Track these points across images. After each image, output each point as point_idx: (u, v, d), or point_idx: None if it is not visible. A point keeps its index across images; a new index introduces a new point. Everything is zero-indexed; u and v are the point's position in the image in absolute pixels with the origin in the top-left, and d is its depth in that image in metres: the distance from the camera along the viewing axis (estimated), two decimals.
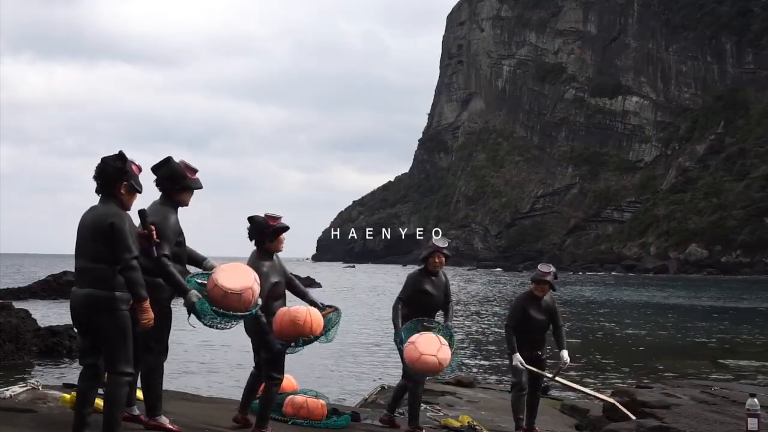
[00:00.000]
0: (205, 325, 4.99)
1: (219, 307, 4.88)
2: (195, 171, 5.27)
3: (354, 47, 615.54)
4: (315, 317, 5.46)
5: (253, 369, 5.89)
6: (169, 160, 5.17)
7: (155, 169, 5.12)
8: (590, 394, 8.46)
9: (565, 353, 7.15)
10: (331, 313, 5.79)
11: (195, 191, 5.28)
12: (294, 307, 5.52)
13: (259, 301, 5.13)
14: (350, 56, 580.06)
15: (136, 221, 4.80)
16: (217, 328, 5.02)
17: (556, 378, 7.47)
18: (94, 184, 4.55)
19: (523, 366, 7.02)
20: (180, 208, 5.24)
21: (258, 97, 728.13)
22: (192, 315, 4.90)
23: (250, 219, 5.71)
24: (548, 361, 7.44)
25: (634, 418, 7.84)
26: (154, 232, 4.84)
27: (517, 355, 7.01)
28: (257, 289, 5.05)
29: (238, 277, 4.99)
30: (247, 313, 5.00)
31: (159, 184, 5.15)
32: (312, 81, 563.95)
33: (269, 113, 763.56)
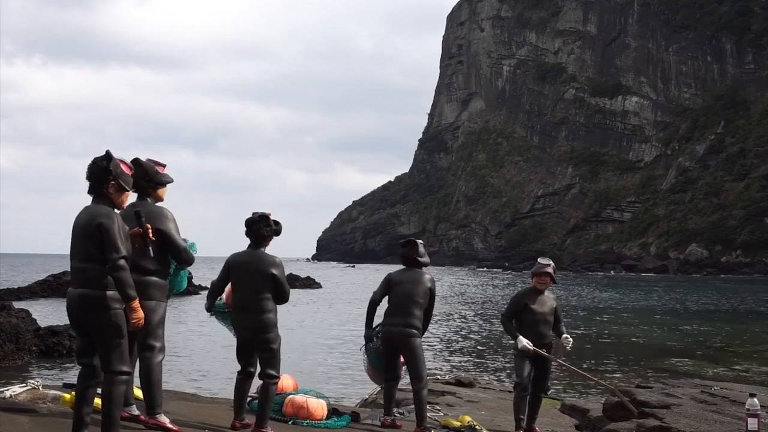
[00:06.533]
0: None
1: None
2: (164, 166, 5.42)
3: (361, 50, 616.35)
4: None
5: (237, 374, 5.82)
6: (136, 161, 5.28)
7: None
8: (593, 379, 8.46)
9: (566, 336, 7.22)
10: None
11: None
12: None
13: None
14: (357, 59, 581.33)
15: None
16: None
17: (560, 360, 7.38)
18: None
19: (530, 347, 7.00)
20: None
21: (265, 99, 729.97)
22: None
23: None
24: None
25: (635, 410, 7.83)
26: (150, 231, 4.90)
27: (521, 338, 7.02)
28: None
29: None
30: None
31: (134, 185, 5.19)
32: (318, 83, 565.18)
33: (275, 115, 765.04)
